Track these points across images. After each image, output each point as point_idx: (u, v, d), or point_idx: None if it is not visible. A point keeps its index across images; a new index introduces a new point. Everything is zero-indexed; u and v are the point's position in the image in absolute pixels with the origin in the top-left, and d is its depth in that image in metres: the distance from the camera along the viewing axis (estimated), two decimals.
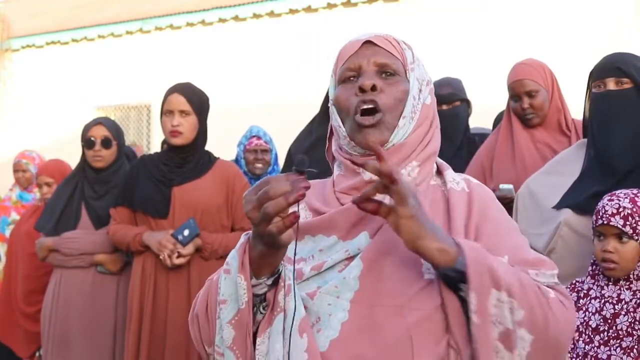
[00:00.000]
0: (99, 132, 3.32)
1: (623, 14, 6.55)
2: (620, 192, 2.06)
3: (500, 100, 3.11)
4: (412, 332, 1.16)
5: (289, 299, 1.15)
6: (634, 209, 2.01)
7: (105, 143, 3.32)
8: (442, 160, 1.39)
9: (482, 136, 3.28)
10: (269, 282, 1.15)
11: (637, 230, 2.01)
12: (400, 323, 1.17)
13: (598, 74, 2.32)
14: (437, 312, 1.18)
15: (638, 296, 1.99)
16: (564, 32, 6.59)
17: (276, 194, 1.02)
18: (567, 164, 2.39)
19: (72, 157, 4.23)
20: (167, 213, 2.96)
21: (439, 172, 1.38)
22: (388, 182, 1.10)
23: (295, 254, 1.17)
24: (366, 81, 1.27)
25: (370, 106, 1.27)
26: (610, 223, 2.01)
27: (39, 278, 3.75)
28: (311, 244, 1.28)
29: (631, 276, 2.03)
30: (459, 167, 2.97)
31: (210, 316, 1.19)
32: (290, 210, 1.04)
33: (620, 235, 2.02)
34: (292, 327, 1.14)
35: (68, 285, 3.30)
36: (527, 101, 2.80)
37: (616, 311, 1.99)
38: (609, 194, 2.08)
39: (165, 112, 2.98)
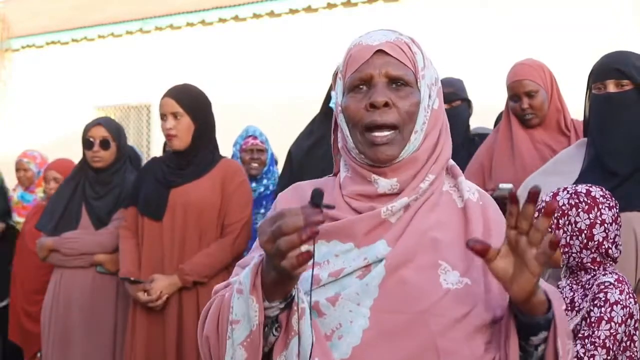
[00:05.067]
0: (98, 133, 3.32)
1: (623, 14, 6.55)
2: (558, 187, 2.09)
3: (500, 100, 3.11)
4: (438, 341, 1.16)
5: (303, 322, 1.14)
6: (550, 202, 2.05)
7: (104, 144, 3.32)
8: (453, 163, 1.37)
9: (482, 136, 3.28)
10: (281, 306, 1.15)
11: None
12: (425, 330, 1.17)
13: (598, 75, 2.31)
14: (459, 323, 1.18)
15: (586, 289, 2.01)
16: (564, 32, 6.59)
17: (289, 230, 1.00)
18: (567, 164, 2.38)
19: (72, 157, 4.23)
20: (162, 215, 2.95)
21: (449, 173, 1.36)
22: (552, 250, 1.08)
23: (311, 283, 1.16)
24: (379, 97, 1.24)
25: (384, 124, 1.25)
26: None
27: (41, 278, 3.76)
28: (325, 248, 1.27)
29: (574, 267, 2.05)
30: (459, 167, 2.97)
31: (221, 335, 1.17)
32: (305, 247, 1.03)
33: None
34: (300, 351, 1.14)
35: (68, 285, 3.30)
36: (527, 101, 2.80)
37: (567, 310, 2.00)
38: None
39: (161, 117, 2.98)
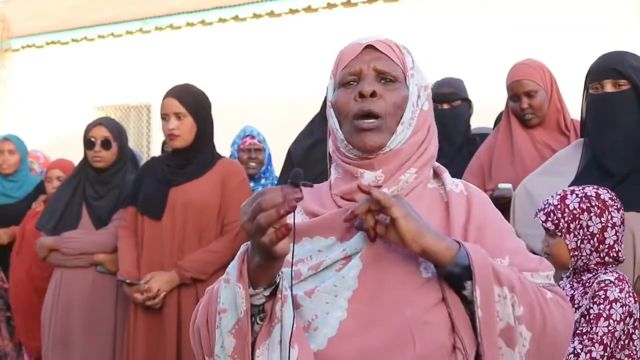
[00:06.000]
0: (99, 133, 3.33)
1: (623, 14, 6.56)
2: (566, 189, 2.09)
3: (500, 100, 3.11)
4: (413, 327, 1.18)
5: (285, 309, 1.16)
6: (559, 206, 2.04)
7: (105, 144, 3.32)
8: (438, 164, 1.40)
9: (483, 136, 3.28)
10: (266, 292, 1.16)
11: (559, 227, 2.03)
12: (400, 317, 1.19)
13: (595, 75, 2.31)
14: (435, 307, 1.20)
15: (586, 287, 2.01)
16: (564, 32, 6.59)
17: (268, 206, 1.03)
18: (564, 164, 2.39)
19: (72, 157, 4.24)
20: (162, 214, 2.95)
21: (436, 175, 1.39)
22: (373, 200, 1.17)
23: (292, 260, 1.18)
24: (366, 87, 1.28)
25: (369, 111, 1.28)
26: (536, 217, 2.09)
27: (46, 279, 3.76)
28: (309, 245, 1.29)
29: (579, 268, 2.05)
30: (460, 167, 2.97)
31: (211, 326, 1.19)
32: (287, 220, 1.05)
33: (547, 230, 2.08)
34: (282, 337, 1.15)
35: (68, 284, 3.30)
36: (526, 101, 2.80)
37: None
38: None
39: (162, 116, 2.98)
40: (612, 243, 2.01)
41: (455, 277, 1.19)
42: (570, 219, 2.03)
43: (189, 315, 2.84)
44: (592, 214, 2.02)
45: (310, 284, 1.24)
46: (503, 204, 2.54)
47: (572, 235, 2.03)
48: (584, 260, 2.03)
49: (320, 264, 1.25)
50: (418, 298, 1.20)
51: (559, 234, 2.04)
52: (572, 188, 2.10)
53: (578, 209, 2.03)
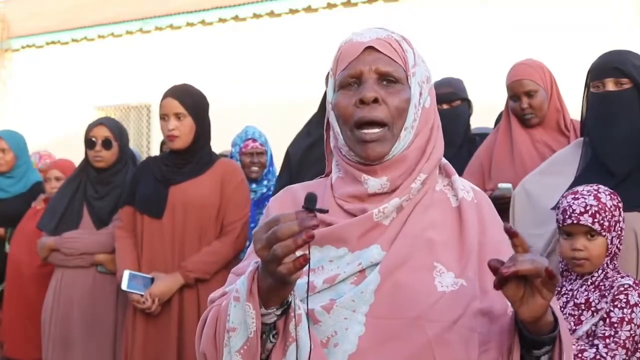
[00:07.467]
0: (100, 133, 3.33)
1: (623, 14, 6.56)
2: (583, 190, 2.07)
3: (500, 100, 3.11)
4: (434, 345, 1.16)
5: (300, 329, 1.13)
6: (599, 206, 2.02)
7: (106, 144, 3.33)
8: (446, 161, 1.36)
9: (483, 136, 3.28)
10: (278, 312, 1.13)
11: (604, 227, 2.02)
12: (421, 335, 1.16)
13: (596, 73, 2.30)
14: (454, 325, 1.18)
15: (602, 290, 2.02)
16: (564, 32, 6.59)
17: (284, 236, 1.00)
18: (564, 164, 2.38)
19: (72, 157, 4.24)
20: (162, 213, 2.96)
21: (443, 173, 1.35)
22: (548, 279, 1.06)
23: (308, 280, 1.15)
24: (368, 93, 1.23)
25: (372, 119, 1.24)
26: (580, 222, 2.02)
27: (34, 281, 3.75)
28: (318, 254, 1.25)
29: (595, 274, 2.04)
30: (460, 167, 2.96)
31: (219, 344, 1.16)
32: (300, 252, 1.02)
33: (588, 232, 2.03)
34: (298, 357, 1.13)
35: (69, 285, 3.31)
36: (526, 101, 2.80)
37: (582, 310, 2.01)
38: (572, 191, 2.09)
39: (162, 117, 2.99)
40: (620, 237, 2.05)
41: (533, 343, 1.17)
42: (610, 216, 2.02)
43: (190, 315, 2.88)
44: (620, 209, 2.04)
45: (325, 297, 1.21)
46: (503, 204, 2.54)
47: (613, 233, 2.03)
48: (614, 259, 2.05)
49: (335, 277, 1.22)
50: (436, 314, 1.17)
51: (604, 233, 2.01)
52: (592, 186, 2.07)
53: (613, 206, 2.03)
